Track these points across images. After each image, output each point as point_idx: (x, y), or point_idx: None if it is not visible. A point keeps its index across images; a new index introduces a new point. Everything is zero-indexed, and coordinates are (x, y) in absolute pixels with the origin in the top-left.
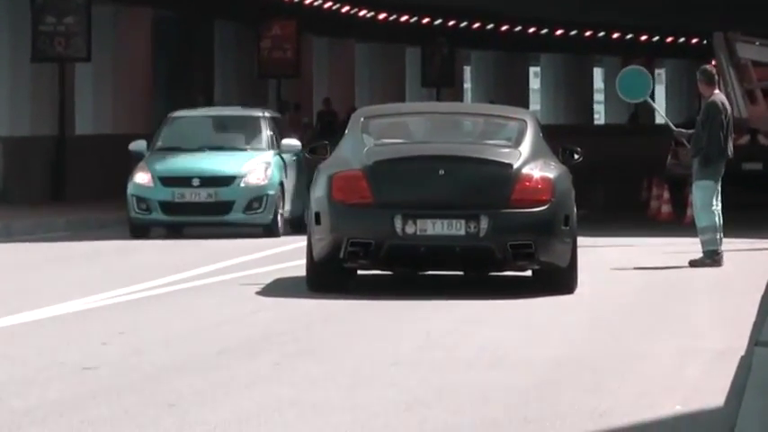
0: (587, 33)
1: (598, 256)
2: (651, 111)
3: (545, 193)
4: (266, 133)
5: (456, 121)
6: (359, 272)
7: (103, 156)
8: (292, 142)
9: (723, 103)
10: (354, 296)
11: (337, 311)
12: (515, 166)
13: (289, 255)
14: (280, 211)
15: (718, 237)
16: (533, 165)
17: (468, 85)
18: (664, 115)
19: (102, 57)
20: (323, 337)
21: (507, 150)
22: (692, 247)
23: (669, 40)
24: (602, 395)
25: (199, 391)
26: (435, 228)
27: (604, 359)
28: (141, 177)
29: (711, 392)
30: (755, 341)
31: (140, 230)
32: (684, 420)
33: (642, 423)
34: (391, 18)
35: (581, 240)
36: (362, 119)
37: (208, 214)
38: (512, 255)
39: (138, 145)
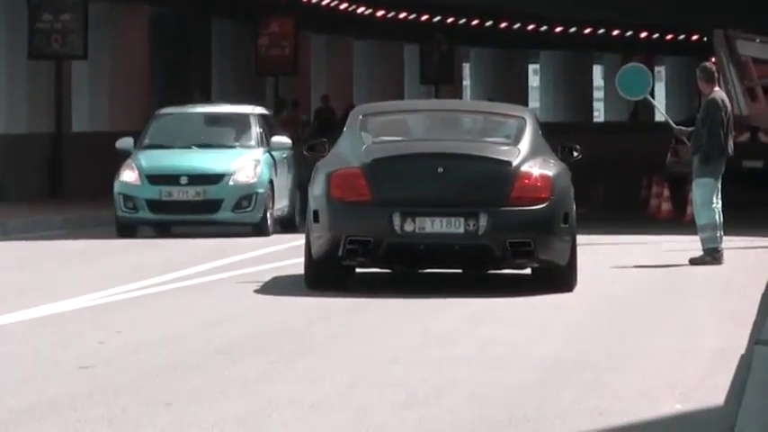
0: (587, 30)
1: (598, 254)
2: (651, 108)
3: (544, 191)
4: (256, 130)
5: (455, 118)
6: (357, 270)
7: (100, 153)
8: (282, 139)
9: (723, 101)
10: (353, 294)
11: (336, 310)
12: (514, 163)
13: (283, 254)
14: (269, 209)
15: (718, 234)
16: (532, 162)
17: (467, 83)
18: (664, 113)
19: (98, 54)
20: (321, 335)
21: (506, 148)
22: (692, 244)
23: (669, 37)
24: (602, 394)
25: (196, 390)
26: (434, 226)
27: (604, 358)
28: (128, 175)
29: (711, 391)
30: (756, 340)
31: (127, 229)
32: (684, 419)
33: (642, 422)
34: (390, 15)
35: (580, 238)
36: (361, 116)
37: (196, 213)
38: (511, 253)
39: (125, 143)
